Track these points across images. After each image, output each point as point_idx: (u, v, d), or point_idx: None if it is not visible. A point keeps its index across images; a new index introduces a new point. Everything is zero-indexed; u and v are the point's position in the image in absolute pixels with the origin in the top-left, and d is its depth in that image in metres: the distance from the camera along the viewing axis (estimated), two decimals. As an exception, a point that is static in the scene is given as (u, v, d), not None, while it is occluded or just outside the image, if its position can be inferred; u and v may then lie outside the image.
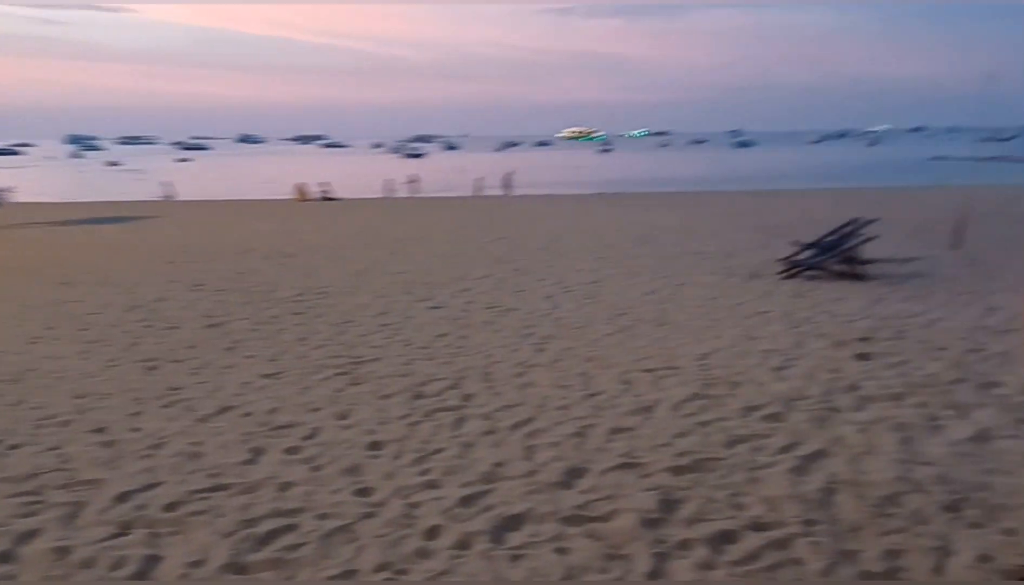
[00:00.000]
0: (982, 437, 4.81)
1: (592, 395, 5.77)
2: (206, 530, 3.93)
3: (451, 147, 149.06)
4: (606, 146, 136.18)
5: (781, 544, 3.68)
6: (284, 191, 31.23)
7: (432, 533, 3.89)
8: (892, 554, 3.57)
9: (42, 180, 50.44)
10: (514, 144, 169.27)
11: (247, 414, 5.52)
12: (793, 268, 10.73)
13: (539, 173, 37.83)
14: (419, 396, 5.85)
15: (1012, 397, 5.49)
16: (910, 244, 13.84)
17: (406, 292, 9.92)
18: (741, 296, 9.32)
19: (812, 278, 10.41)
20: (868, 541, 3.70)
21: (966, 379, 5.93)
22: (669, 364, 6.48)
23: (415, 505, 4.17)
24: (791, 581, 3.40)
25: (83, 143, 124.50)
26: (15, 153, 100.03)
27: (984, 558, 3.48)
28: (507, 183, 34.09)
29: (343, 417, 5.42)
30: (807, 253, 11.16)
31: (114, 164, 69.33)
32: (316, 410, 5.56)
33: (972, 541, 3.64)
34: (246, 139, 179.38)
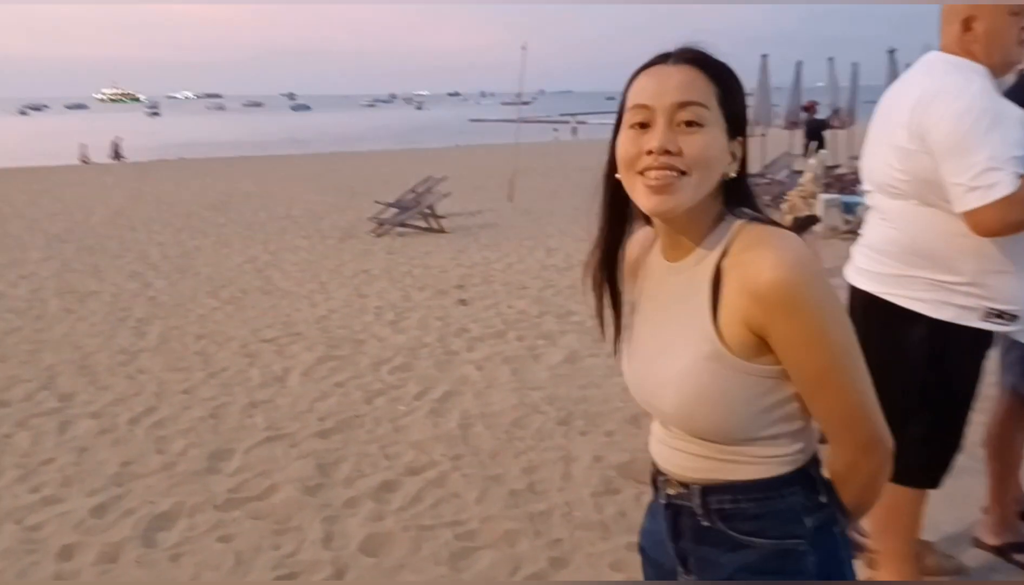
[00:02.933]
0: (572, 359, 5.67)
1: (216, 373, 5.46)
2: None
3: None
4: (154, 109, 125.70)
5: (438, 482, 3.96)
6: None
7: (67, 553, 3.39)
8: (528, 470, 4.07)
9: None
10: (40, 107, 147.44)
11: None
12: (382, 226, 11.22)
13: (82, 140, 33.37)
14: (3, 404, 4.95)
15: (586, 322, 6.53)
16: (474, 198, 15.37)
17: (-57, 286, 8.17)
18: (340, 257, 9.51)
19: (401, 235, 11.02)
20: (507, 463, 4.16)
21: (548, 312, 6.89)
22: (289, 331, 6.40)
23: (35, 527, 3.58)
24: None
25: None
26: None
27: (597, 458, 4.15)
28: (116, 151, 30.56)
29: (-100, 446, 4.36)
30: (392, 212, 11.76)
31: None
32: None
33: (585, 446, 4.31)
34: None
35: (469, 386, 5.19)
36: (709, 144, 1.12)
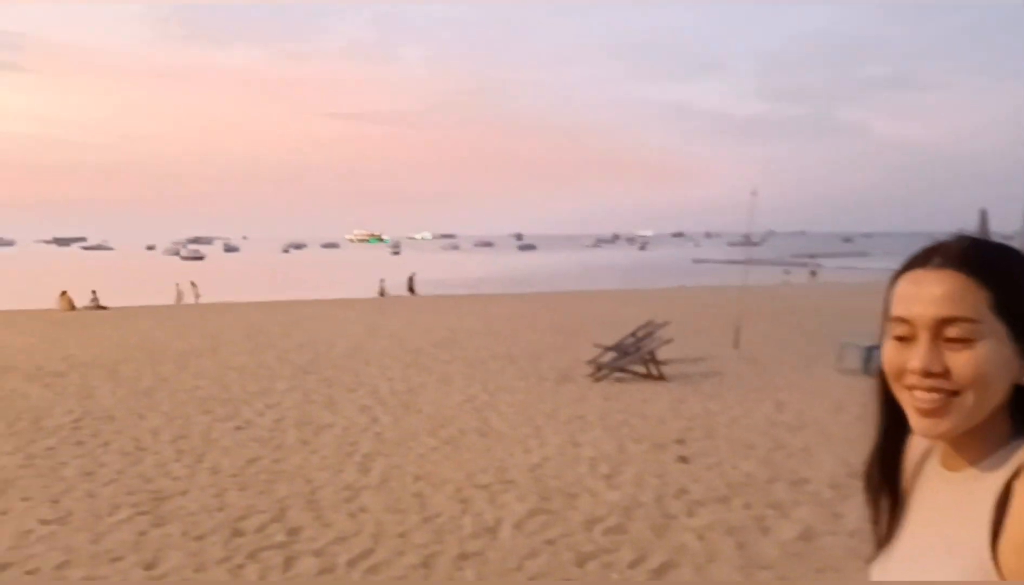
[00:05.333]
0: (807, 535, 5.07)
1: (430, 518, 5.47)
2: None
3: (230, 249, 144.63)
4: (396, 249, 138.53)
5: (652, 671, 3.57)
6: (43, 300, 28.19)
7: None
8: (756, 668, 3.57)
9: None
10: (300, 246, 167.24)
11: (31, 571, 4.64)
12: (600, 370, 11.13)
13: (332, 275, 37.10)
14: (238, 533, 5.23)
15: (822, 493, 5.89)
16: (696, 343, 14.92)
17: (204, 411, 9.07)
18: (556, 400, 9.46)
19: (619, 380, 10.83)
20: (731, 657, 3.69)
21: (779, 477, 6.30)
22: (502, 478, 6.34)
23: (250, 670, 3.63)
24: None
25: None
26: None
27: (840, 663, 3.57)
28: (411, 285, 34.55)
29: (150, 566, 4.69)
30: (610, 356, 11.66)
31: None
32: (116, 560, 4.79)
33: (824, 646, 3.74)
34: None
35: (688, 558, 4.76)
36: (982, 362, 0.97)
